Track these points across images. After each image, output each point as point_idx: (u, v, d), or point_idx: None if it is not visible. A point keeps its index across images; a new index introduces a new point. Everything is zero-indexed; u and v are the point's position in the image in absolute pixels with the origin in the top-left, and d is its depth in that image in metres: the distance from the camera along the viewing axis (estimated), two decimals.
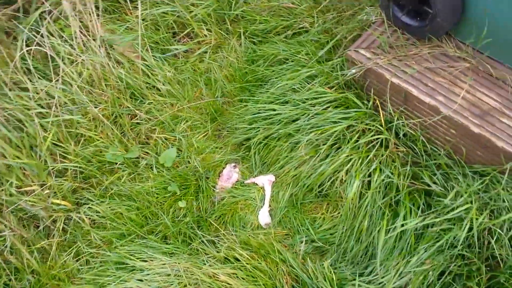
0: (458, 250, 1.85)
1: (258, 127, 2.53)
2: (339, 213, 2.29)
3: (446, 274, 1.89)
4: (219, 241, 2.21)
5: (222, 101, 2.83)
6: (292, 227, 2.35)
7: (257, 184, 2.52)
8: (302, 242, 2.23)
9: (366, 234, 2.12)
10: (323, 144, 2.30)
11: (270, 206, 2.44)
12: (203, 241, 2.23)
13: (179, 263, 2.09)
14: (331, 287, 1.95)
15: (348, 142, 2.24)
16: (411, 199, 2.07)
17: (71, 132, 2.64)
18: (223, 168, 2.60)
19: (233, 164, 2.60)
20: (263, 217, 2.39)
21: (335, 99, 2.34)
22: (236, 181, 2.55)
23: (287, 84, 2.48)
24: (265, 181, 2.49)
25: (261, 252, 2.10)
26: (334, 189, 2.28)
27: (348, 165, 2.18)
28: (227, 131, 2.73)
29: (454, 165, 2.13)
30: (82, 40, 2.87)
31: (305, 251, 2.25)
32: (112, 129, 2.70)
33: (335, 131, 2.22)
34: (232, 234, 2.21)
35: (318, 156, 2.24)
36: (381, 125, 2.24)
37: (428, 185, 2.07)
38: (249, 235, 2.17)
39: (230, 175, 2.56)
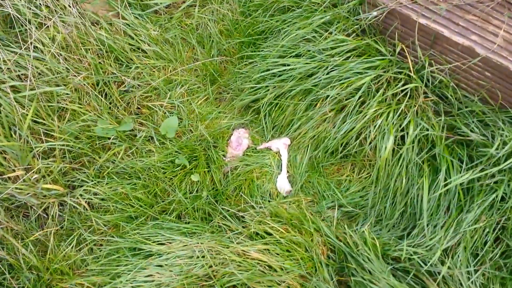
0: None
1: (267, 86, 2.27)
2: (368, 173, 2.11)
3: (497, 229, 1.76)
4: (243, 216, 1.98)
5: (220, 60, 2.53)
6: (317, 193, 2.15)
7: (271, 149, 2.29)
8: (335, 208, 2.04)
9: (402, 194, 1.95)
10: (346, 99, 2.08)
11: (288, 172, 2.23)
12: (225, 217, 1.99)
13: (201, 243, 1.85)
14: (375, 254, 1.78)
15: (374, 95, 2.03)
16: (450, 152, 1.90)
17: (52, 106, 2.29)
18: (231, 134, 2.34)
19: (241, 129, 2.35)
20: (283, 184, 2.18)
21: (354, 48, 2.11)
22: (247, 148, 2.30)
23: (297, 34, 2.21)
24: (280, 145, 2.26)
25: (293, 223, 1.89)
26: (360, 148, 2.09)
27: (380, 120, 1.97)
28: (229, 93, 2.46)
29: (491, 112, 1.96)
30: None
31: (328, 216, 2.07)
32: (99, 99, 2.37)
33: (362, 84, 1.99)
34: (261, 207, 1.98)
35: (346, 112, 2.02)
36: (410, 73, 2.02)
37: (467, 135, 1.90)
38: (279, 205, 1.95)
39: (239, 141, 2.30)
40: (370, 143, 2.04)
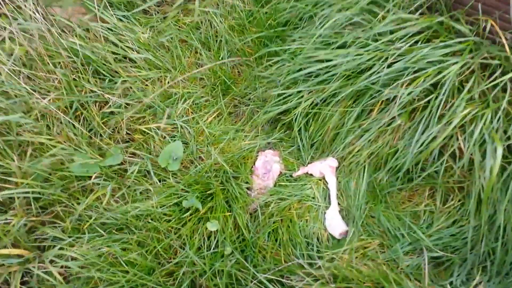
0: None
1: (300, 92, 1.68)
2: (459, 201, 1.49)
3: None
4: (290, 280, 1.35)
5: (232, 63, 1.94)
6: (385, 232, 1.53)
7: (312, 175, 1.68)
8: (416, 253, 1.42)
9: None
10: (419, 100, 1.48)
11: (339, 204, 1.61)
12: (260, 283, 1.35)
13: None
14: None
15: (460, 91, 1.44)
16: None
17: (9, 141, 1.68)
18: (255, 159, 1.73)
19: (268, 151, 1.74)
20: (335, 222, 1.57)
21: (422, 29, 1.52)
22: (279, 175, 1.70)
23: (337, 18, 1.61)
24: (325, 168, 1.66)
25: (368, 286, 1.27)
26: (443, 166, 1.48)
27: (476, 126, 1.36)
28: (249, 105, 1.86)
29: None
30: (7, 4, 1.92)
31: (407, 266, 1.45)
32: (73, 126, 1.77)
33: (444, 76, 1.40)
34: (317, 266, 1.34)
35: (421, 118, 1.42)
36: (506, 58, 1.43)
37: None
38: (344, 266, 1.32)
39: (267, 167, 1.70)
40: (459, 159, 1.43)
